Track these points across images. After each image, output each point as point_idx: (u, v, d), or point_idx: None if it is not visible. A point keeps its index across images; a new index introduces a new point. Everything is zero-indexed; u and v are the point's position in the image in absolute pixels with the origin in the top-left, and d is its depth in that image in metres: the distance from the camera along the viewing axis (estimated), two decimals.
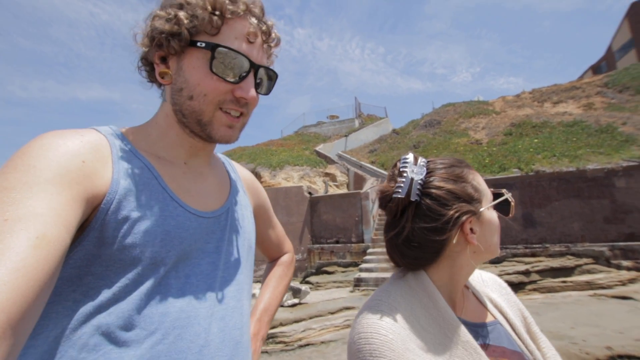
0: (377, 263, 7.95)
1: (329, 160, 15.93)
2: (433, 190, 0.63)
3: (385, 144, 17.44)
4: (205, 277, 0.60)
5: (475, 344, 0.59)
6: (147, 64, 0.63)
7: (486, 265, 7.24)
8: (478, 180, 0.67)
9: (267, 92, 0.67)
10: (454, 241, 0.62)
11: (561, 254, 7.46)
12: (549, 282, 6.72)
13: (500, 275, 4.67)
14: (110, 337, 0.49)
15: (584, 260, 7.16)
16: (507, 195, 0.68)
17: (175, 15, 0.57)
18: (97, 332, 0.48)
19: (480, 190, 0.66)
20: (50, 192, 0.44)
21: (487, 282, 0.79)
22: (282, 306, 5.87)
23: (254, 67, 0.60)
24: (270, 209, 0.94)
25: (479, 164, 10.68)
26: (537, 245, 7.86)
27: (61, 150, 0.49)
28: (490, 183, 0.69)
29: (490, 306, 0.71)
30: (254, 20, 0.61)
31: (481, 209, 0.64)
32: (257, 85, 0.63)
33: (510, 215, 0.69)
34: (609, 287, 6.16)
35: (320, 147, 17.76)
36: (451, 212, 0.61)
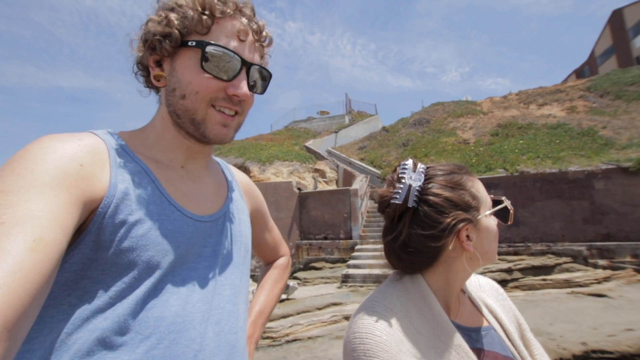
0: (365, 259, 8.04)
1: (318, 156, 15.91)
2: (430, 198, 0.63)
3: (375, 141, 17.52)
4: (201, 281, 0.60)
5: (467, 348, 0.60)
6: (144, 68, 0.64)
7: None
8: (477, 188, 0.67)
9: (262, 92, 0.68)
10: (450, 248, 0.63)
11: (542, 253, 7.72)
12: (530, 280, 6.96)
13: (483, 274, 4.79)
14: (105, 342, 0.48)
15: (564, 259, 7.44)
16: (507, 203, 0.68)
17: (166, 17, 0.58)
18: (92, 336, 0.47)
19: (478, 198, 0.66)
20: (47, 195, 0.43)
21: (483, 287, 0.80)
22: None
23: (246, 64, 0.61)
24: (267, 213, 0.94)
25: (466, 164, 10.86)
26: (519, 244, 8.09)
27: (59, 153, 0.49)
28: None
29: (485, 311, 0.72)
30: (244, 20, 0.62)
31: (478, 217, 0.65)
32: (252, 86, 0.64)
33: (509, 222, 0.69)
34: (586, 285, 6.42)
35: (310, 143, 17.73)
36: (448, 220, 0.62)
